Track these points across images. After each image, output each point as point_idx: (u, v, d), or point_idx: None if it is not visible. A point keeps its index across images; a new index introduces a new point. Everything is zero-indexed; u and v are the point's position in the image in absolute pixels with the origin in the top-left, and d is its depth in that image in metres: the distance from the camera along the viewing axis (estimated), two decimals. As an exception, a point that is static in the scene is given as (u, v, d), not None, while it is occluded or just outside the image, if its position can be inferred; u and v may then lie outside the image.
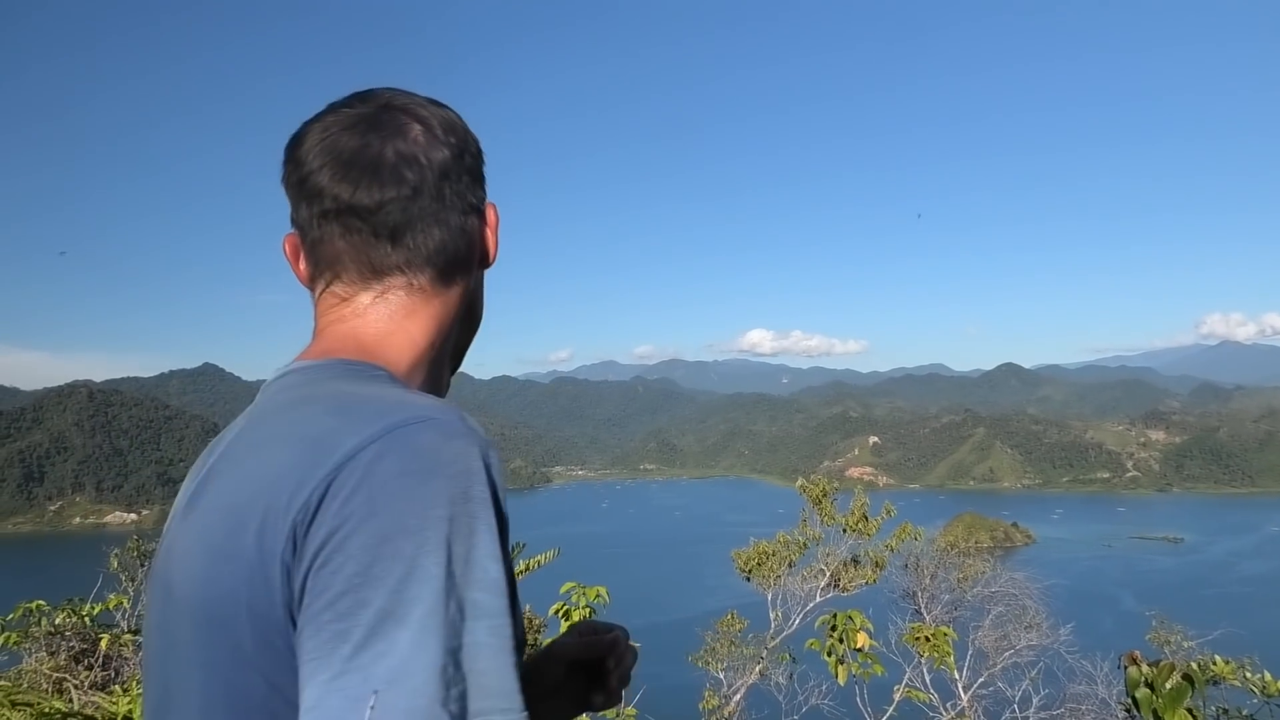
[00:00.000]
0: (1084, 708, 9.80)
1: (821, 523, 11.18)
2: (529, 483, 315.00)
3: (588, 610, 4.97)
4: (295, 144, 1.00)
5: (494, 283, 1.15)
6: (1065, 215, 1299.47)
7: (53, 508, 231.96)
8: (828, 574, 10.96)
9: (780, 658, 9.93)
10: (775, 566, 10.98)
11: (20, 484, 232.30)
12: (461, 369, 1.16)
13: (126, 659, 5.80)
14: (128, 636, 5.82)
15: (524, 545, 6.47)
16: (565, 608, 5.00)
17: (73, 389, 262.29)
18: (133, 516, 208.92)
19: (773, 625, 10.44)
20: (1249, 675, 4.31)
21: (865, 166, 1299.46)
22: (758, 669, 10.20)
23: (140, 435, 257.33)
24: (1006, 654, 11.45)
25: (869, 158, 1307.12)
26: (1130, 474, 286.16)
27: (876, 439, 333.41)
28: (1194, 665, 3.19)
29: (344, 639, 0.69)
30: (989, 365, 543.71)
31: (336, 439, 0.79)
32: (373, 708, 0.65)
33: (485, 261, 1.09)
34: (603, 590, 5.11)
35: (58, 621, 5.87)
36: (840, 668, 5.17)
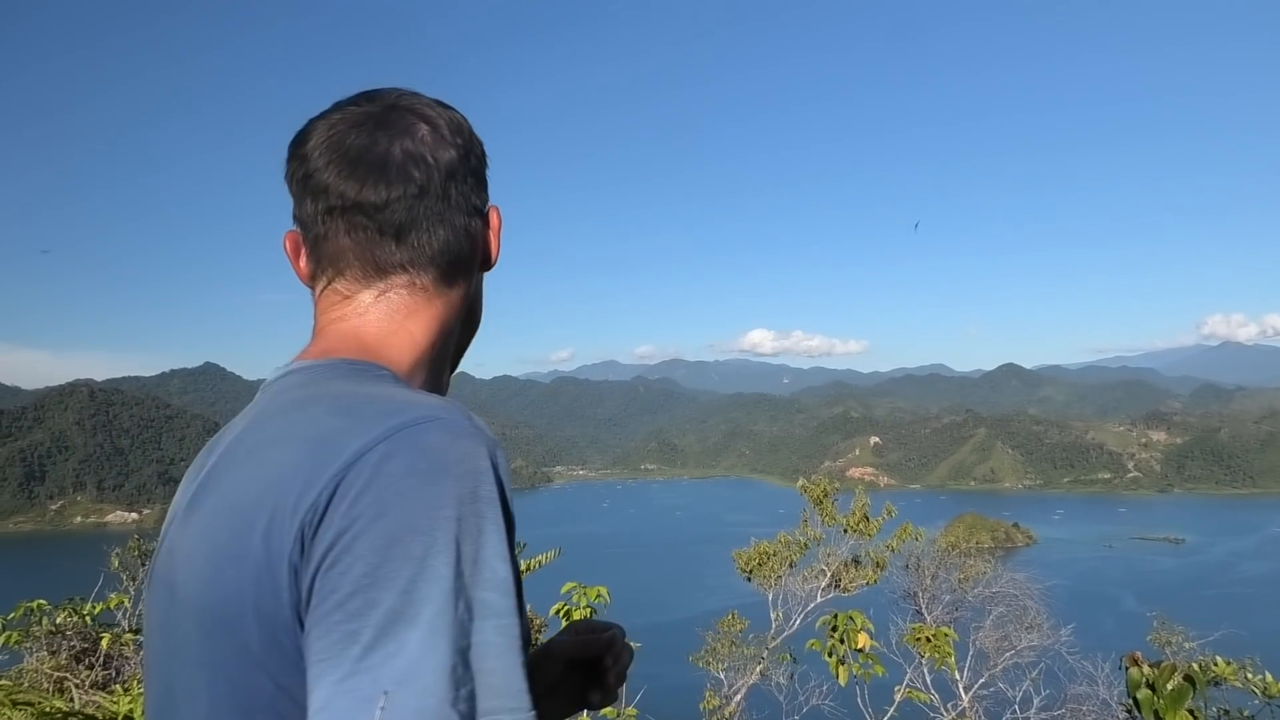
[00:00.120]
0: (1085, 708, 9.79)
1: (822, 523, 11.17)
2: (530, 482, 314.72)
3: (588, 610, 4.97)
4: (300, 140, 0.99)
5: (495, 282, 1.15)
6: (1066, 215, 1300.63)
7: (54, 507, 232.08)
8: (828, 574, 10.95)
9: (781, 658, 9.92)
10: (776, 567, 10.97)
11: (21, 483, 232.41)
12: (462, 369, 1.16)
13: (127, 658, 5.80)
14: (129, 636, 5.82)
15: (525, 545, 6.47)
16: (566, 608, 5.00)
17: (74, 388, 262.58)
18: (134, 516, 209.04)
19: (773, 625, 10.43)
20: (1250, 676, 4.31)
21: (866, 166, 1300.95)
22: (758, 669, 10.19)
23: (141, 434, 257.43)
24: (1007, 655, 11.42)
25: (870, 158, 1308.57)
26: (1131, 475, 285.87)
27: (877, 439, 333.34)
28: (1195, 666, 3.19)
29: (353, 640, 0.69)
30: (990, 365, 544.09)
31: (343, 439, 0.78)
32: (383, 708, 0.65)
33: (487, 264, 1.09)
34: (603, 590, 5.11)
35: (59, 621, 5.86)
36: (841, 668, 5.17)
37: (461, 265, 1.03)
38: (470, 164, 1.03)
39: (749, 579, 11.23)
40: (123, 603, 6.51)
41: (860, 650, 5.18)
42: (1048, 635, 11.92)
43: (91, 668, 5.66)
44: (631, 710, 5.33)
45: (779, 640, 10.24)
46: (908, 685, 7.80)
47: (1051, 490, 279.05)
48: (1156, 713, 2.87)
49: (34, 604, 5.92)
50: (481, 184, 1.06)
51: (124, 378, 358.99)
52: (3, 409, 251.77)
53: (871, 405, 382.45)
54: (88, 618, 6.02)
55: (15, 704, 3.83)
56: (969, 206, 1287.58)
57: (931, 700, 8.45)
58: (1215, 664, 4.29)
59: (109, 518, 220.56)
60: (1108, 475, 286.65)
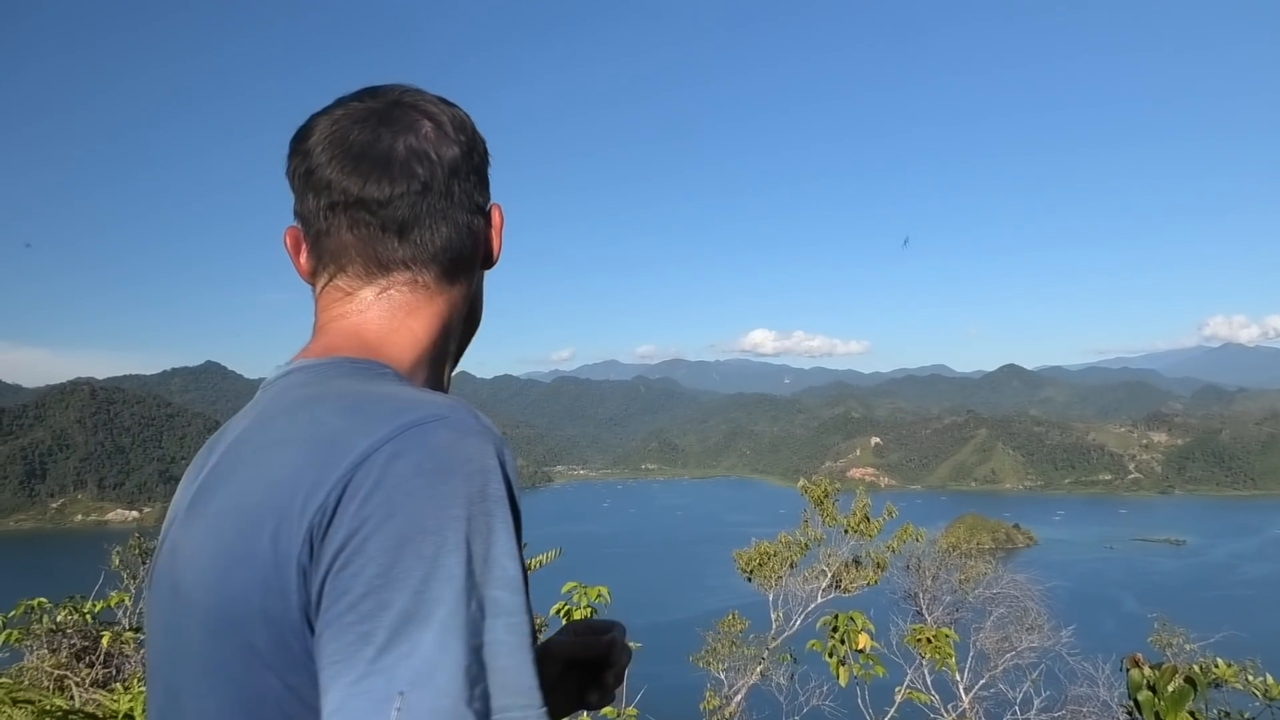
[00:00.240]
0: (1085, 710, 9.78)
1: (823, 523, 11.17)
2: (530, 482, 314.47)
3: (589, 610, 4.97)
4: (303, 136, 0.99)
5: (496, 281, 1.14)
6: (1068, 216, 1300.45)
7: (54, 505, 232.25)
8: (829, 575, 10.95)
9: (781, 658, 9.92)
10: (776, 567, 10.97)
11: (22, 481, 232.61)
12: (463, 368, 1.15)
13: (128, 657, 5.80)
14: (129, 634, 5.83)
15: (526, 545, 6.46)
16: (567, 607, 5.00)
17: (75, 386, 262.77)
18: (134, 514, 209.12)
19: (774, 626, 10.43)
20: (1251, 678, 4.30)
21: (867, 167, 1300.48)
22: (759, 670, 10.19)
23: (142, 433, 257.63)
24: (1008, 656, 11.42)
25: (871, 158, 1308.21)
26: (1132, 476, 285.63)
27: (878, 440, 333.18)
28: (1196, 668, 3.19)
29: (367, 641, 0.69)
30: (991, 366, 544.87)
31: (349, 440, 0.78)
32: (398, 709, 0.65)
33: (488, 262, 1.08)
34: (604, 590, 5.11)
35: (59, 619, 5.87)
36: (841, 669, 5.17)
37: (464, 263, 1.02)
38: (473, 161, 1.03)
39: (749, 579, 11.23)
40: (123, 601, 6.51)
41: (861, 651, 5.18)
42: (1048, 636, 11.92)
43: (92, 666, 5.66)
44: (632, 710, 5.34)
45: (779, 641, 10.24)
46: (908, 686, 7.81)
47: (1052, 491, 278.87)
48: (1157, 714, 2.87)
49: (35, 602, 5.93)
50: (484, 181, 1.06)
51: (125, 376, 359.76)
52: (4, 407, 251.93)
53: (872, 406, 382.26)
54: (88, 616, 6.03)
55: (16, 702, 3.84)
56: (970, 207, 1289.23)
57: (932, 701, 8.46)
58: (1216, 666, 4.28)
59: (109, 516, 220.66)
60: (1109, 476, 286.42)
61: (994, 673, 11.02)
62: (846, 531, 10.96)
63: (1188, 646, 9.34)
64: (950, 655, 6.26)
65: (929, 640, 6.27)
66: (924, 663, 7.19)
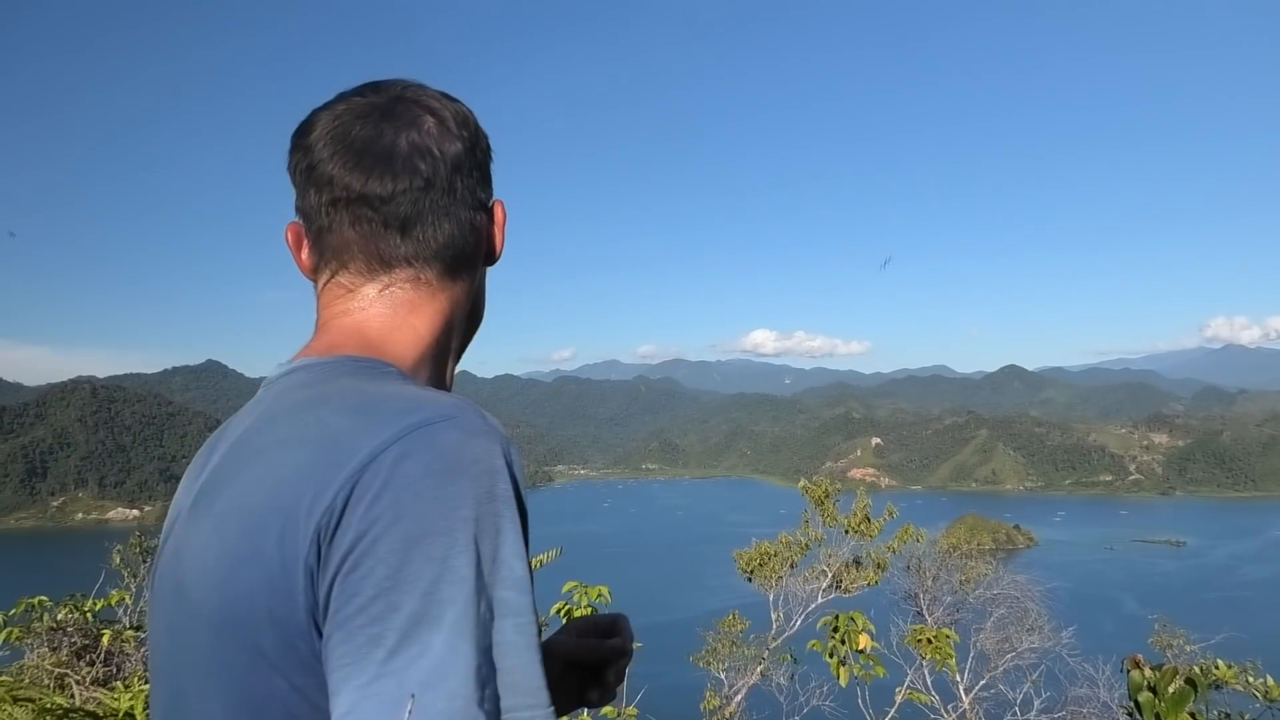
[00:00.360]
0: (1086, 711, 9.79)
1: (823, 524, 11.17)
2: (531, 482, 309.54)
3: (589, 610, 4.97)
4: (304, 131, 0.98)
5: (497, 281, 1.14)
6: (1069, 217, 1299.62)
7: (55, 503, 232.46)
8: (829, 575, 10.94)
9: (782, 658, 9.93)
10: (777, 567, 10.97)
11: (23, 479, 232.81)
12: (464, 367, 1.14)
13: (128, 655, 5.80)
14: (130, 633, 5.82)
15: (529, 542, 6.46)
16: (567, 607, 5.00)
17: (76, 385, 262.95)
18: (135, 513, 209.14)
19: (774, 626, 10.43)
20: (1251, 679, 4.30)
21: (869, 167, 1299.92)
22: (759, 670, 10.19)
23: (143, 431, 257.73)
24: (1008, 656, 11.43)
25: (873, 158, 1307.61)
26: (1133, 477, 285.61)
27: (879, 440, 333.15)
28: (1196, 669, 3.19)
29: (377, 643, 0.69)
30: (992, 367, 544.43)
31: (355, 440, 0.77)
32: (410, 711, 0.65)
33: (491, 258, 1.08)
34: (604, 590, 5.11)
35: (60, 617, 5.86)
36: (842, 669, 5.17)
37: (466, 259, 1.02)
38: (476, 157, 1.02)
39: (750, 579, 11.23)
40: (124, 599, 6.50)
41: (861, 651, 5.17)
42: (1049, 637, 11.93)
43: (92, 664, 5.66)
44: (632, 710, 5.34)
45: (780, 641, 10.24)
46: (908, 686, 7.80)
47: (1053, 492, 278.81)
48: (1158, 716, 2.87)
49: (35, 600, 5.92)
50: (486, 178, 1.05)
51: (126, 375, 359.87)
52: (5, 405, 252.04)
53: (873, 406, 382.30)
54: (89, 614, 6.02)
55: (16, 700, 3.84)
56: (971, 207, 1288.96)
57: (932, 702, 8.46)
58: (1216, 667, 4.28)
59: (110, 514, 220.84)
60: (1109, 477, 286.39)
61: (994, 673, 11.02)
62: (847, 532, 10.96)
63: (1188, 648, 9.35)
64: (951, 656, 6.26)
65: (929, 641, 6.26)
66: (924, 663, 7.19)
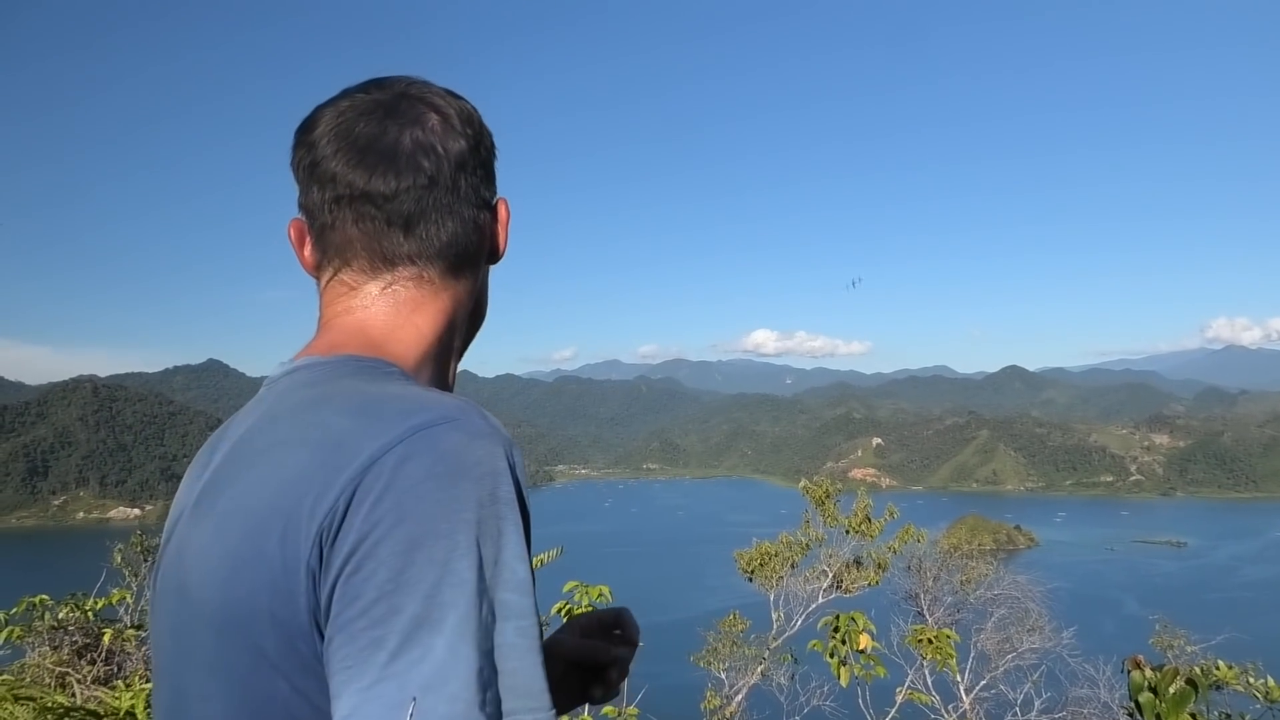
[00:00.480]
0: (1086, 711, 9.79)
1: (824, 524, 11.16)
2: (532, 481, 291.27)
3: (590, 610, 4.97)
4: (308, 127, 0.98)
5: (498, 281, 1.14)
6: (1071, 218, 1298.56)
7: (56, 502, 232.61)
8: (830, 575, 10.94)
9: (782, 658, 9.93)
10: (778, 567, 10.97)
11: (24, 478, 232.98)
12: (465, 367, 1.13)
13: (129, 654, 5.80)
14: (131, 632, 5.82)
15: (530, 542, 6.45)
16: (568, 606, 5.00)
17: (77, 384, 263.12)
18: (136, 512, 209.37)
19: (775, 626, 10.42)
20: (1252, 680, 4.30)
21: (870, 167, 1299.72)
22: (759, 669, 10.18)
23: (144, 431, 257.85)
24: (1009, 657, 11.43)
25: (874, 158, 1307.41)
26: (1134, 478, 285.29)
27: (880, 440, 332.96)
28: (1197, 670, 3.19)
29: (379, 646, 0.68)
30: (993, 367, 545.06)
31: (358, 442, 0.77)
32: (411, 715, 0.65)
33: (494, 257, 1.07)
34: (605, 589, 5.11)
35: (61, 616, 5.87)
36: (842, 669, 5.17)
37: (469, 258, 1.01)
38: (480, 155, 1.01)
39: (750, 579, 11.23)
40: (125, 598, 6.50)
41: (862, 651, 5.17)
42: (1049, 638, 11.93)
43: (93, 663, 5.66)
44: (632, 710, 5.34)
45: (780, 641, 10.23)
46: (909, 687, 7.80)
47: (1054, 493, 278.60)
48: (1159, 716, 2.87)
49: (36, 599, 5.93)
50: (491, 176, 1.04)
51: (127, 374, 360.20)
52: (6, 404, 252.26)
53: (874, 406, 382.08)
54: (90, 613, 6.02)
55: (17, 699, 3.84)
56: (973, 207, 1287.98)
57: (933, 702, 8.45)
58: (1217, 668, 4.27)
59: (111, 514, 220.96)
60: (1110, 478, 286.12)
61: (995, 674, 11.02)
62: (848, 532, 10.96)
63: (1189, 648, 9.35)
64: (951, 656, 6.25)
65: (930, 641, 6.26)
66: (925, 663, 7.18)
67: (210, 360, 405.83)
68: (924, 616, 12.05)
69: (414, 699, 0.66)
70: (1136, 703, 2.94)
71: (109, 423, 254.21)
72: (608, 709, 5.11)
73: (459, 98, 1.03)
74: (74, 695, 4.89)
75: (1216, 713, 4.30)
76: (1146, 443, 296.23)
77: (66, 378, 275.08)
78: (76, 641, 5.76)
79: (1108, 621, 61.33)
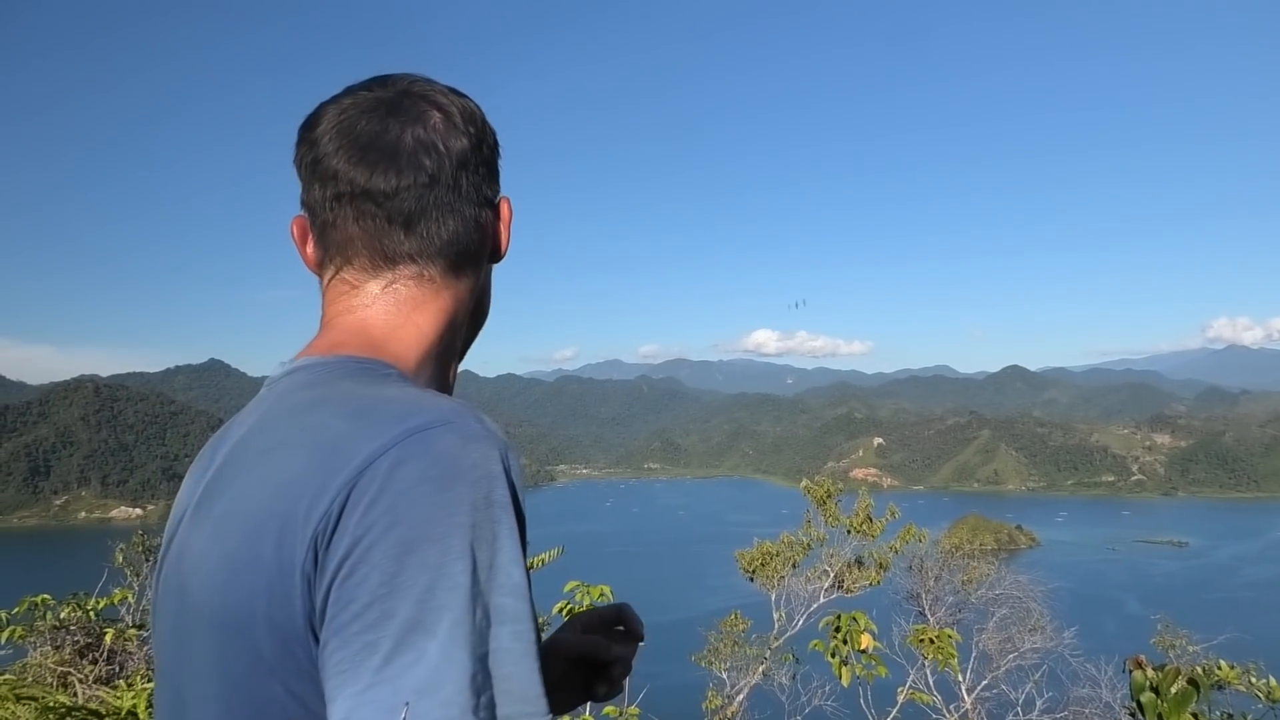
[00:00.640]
0: (1088, 711, 9.80)
1: (825, 524, 11.16)
2: (533, 481, 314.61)
3: (591, 608, 4.97)
4: (310, 125, 0.98)
5: (499, 280, 1.13)
6: (1072, 217, 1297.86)
7: (58, 502, 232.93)
8: (831, 575, 10.95)
9: (784, 658, 9.94)
10: (779, 567, 10.97)
11: (26, 478, 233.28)
12: (467, 367, 1.14)
13: (131, 654, 5.80)
14: (132, 631, 5.83)
15: (528, 544, 6.46)
16: (569, 606, 5.00)
17: (79, 384, 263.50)
18: (138, 511, 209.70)
19: (776, 626, 10.43)
20: (1254, 680, 4.29)
21: (871, 167, 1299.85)
22: (761, 669, 10.19)
23: (146, 430, 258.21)
24: (1010, 657, 11.43)
25: (875, 158, 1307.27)
26: (1135, 477, 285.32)
27: (881, 440, 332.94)
28: (1199, 670, 3.18)
29: (372, 650, 0.68)
30: (994, 367, 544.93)
31: (353, 445, 0.77)
32: (404, 719, 0.65)
33: (496, 256, 1.07)
34: (606, 589, 5.11)
35: (62, 616, 5.87)
36: (844, 669, 5.16)
37: (470, 256, 1.01)
38: (482, 154, 1.01)
39: (752, 579, 11.23)
40: (127, 598, 6.50)
41: (863, 651, 5.17)
42: (1051, 638, 11.93)
43: (95, 663, 5.66)
44: (634, 709, 5.34)
45: (782, 640, 10.24)
46: (911, 687, 7.80)
47: (1055, 493, 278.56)
48: (1160, 716, 2.87)
49: (38, 599, 5.93)
50: (493, 174, 1.04)
51: (129, 374, 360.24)
52: (8, 404, 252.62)
53: (875, 406, 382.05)
54: (92, 613, 6.02)
55: (19, 698, 3.84)
56: (974, 207, 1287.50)
57: (934, 702, 8.45)
58: (1219, 668, 4.26)
59: (113, 513, 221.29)
60: (1112, 478, 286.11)
61: (996, 674, 11.03)
62: (849, 532, 10.96)
63: (1190, 648, 9.34)
64: (953, 656, 6.25)
65: (931, 641, 6.25)
66: (926, 663, 7.19)
67: (212, 360, 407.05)
68: (925, 616, 12.06)
69: (407, 703, 0.66)
70: (1138, 703, 2.94)
71: (110, 422, 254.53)
72: (609, 709, 5.12)
73: (462, 95, 1.03)
74: (76, 695, 4.90)
75: (1218, 713, 4.30)
76: (1148, 442, 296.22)
77: (68, 377, 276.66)
78: (78, 641, 5.77)
79: (1109, 621, 61.37)
